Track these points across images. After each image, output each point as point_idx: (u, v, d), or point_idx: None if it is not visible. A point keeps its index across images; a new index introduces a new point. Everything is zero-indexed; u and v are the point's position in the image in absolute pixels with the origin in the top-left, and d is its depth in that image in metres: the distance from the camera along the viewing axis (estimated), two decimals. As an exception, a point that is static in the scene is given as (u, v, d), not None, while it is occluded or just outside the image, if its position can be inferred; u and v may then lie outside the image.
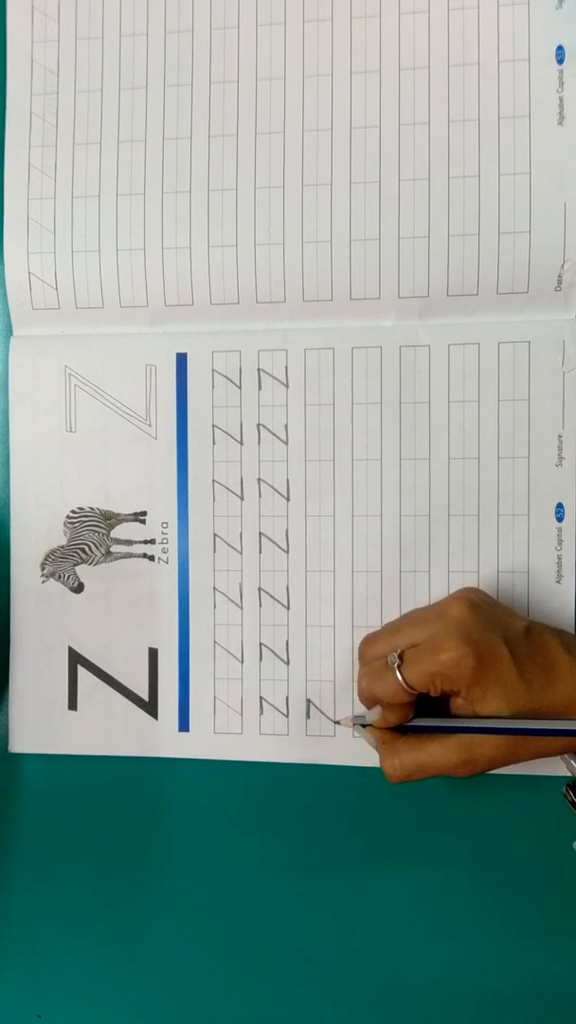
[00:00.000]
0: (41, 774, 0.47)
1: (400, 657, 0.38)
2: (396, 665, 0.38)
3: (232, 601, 0.45)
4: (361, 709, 0.41)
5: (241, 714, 0.45)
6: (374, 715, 0.40)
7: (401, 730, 0.39)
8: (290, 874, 0.45)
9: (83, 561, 0.46)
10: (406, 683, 0.37)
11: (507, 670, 0.37)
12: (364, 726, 0.41)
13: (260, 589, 0.45)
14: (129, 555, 0.46)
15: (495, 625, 0.38)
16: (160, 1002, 0.46)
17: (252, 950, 0.45)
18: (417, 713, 0.39)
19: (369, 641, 0.41)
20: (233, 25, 0.45)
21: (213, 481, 0.45)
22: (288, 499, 0.45)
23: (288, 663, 0.45)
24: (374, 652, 0.40)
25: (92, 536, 0.46)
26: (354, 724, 0.41)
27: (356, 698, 0.43)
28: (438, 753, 0.38)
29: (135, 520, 0.46)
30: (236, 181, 0.45)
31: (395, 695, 0.38)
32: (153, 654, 0.46)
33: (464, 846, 0.44)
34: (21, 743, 0.47)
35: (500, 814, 0.44)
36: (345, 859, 0.45)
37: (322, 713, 0.45)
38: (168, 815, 0.46)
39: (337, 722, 0.44)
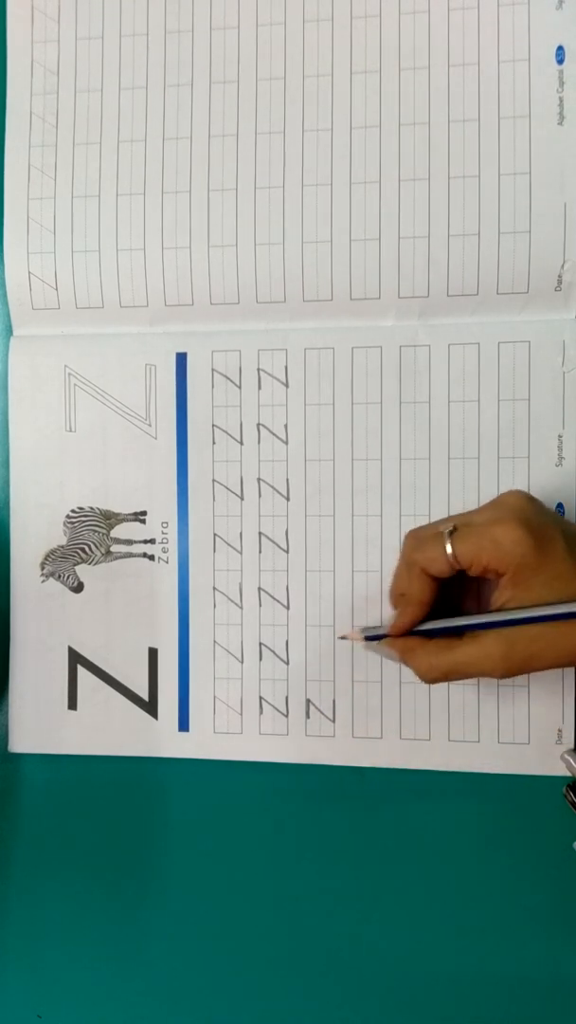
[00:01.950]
0: (41, 774, 0.47)
1: (454, 527, 0.37)
2: (449, 532, 0.37)
3: (232, 601, 0.45)
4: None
5: (241, 714, 0.45)
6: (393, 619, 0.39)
7: (428, 634, 0.38)
8: (290, 874, 0.45)
9: (83, 561, 0.46)
10: (454, 554, 0.37)
11: (562, 559, 0.36)
12: (373, 639, 0.40)
13: (260, 589, 0.45)
14: (129, 555, 0.46)
15: (552, 517, 0.38)
16: (160, 1002, 0.46)
17: (252, 950, 0.45)
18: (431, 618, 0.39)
19: (420, 527, 0.40)
20: (233, 25, 0.45)
21: (213, 481, 0.45)
22: (288, 499, 0.45)
23: (288, 663, 0.45)
24: (422, 534, 0.39)
25: (92, 536, 0.46)
26: (364, 637, 0.41)
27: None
28: (473, 650, 0.37)
29: (135, 520, 0.46)
30: (236, 181, 0.45)
31: (435, 562, 0.37)
32: (153, 654, 0.46)
33: (464, 846, 0.44)
34: (21, 743, 0.47)
35: (500, 814, 0.44)
36: (345, 859, 0.45)
37: (322, 713, 0.45)
38: (168, 815, 0.46)
39: (343, 637, 0.44)
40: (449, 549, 0.37)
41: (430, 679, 0.38)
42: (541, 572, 0.36)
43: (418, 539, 0.39)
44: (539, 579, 0.36)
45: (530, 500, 0.38)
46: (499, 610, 0.37)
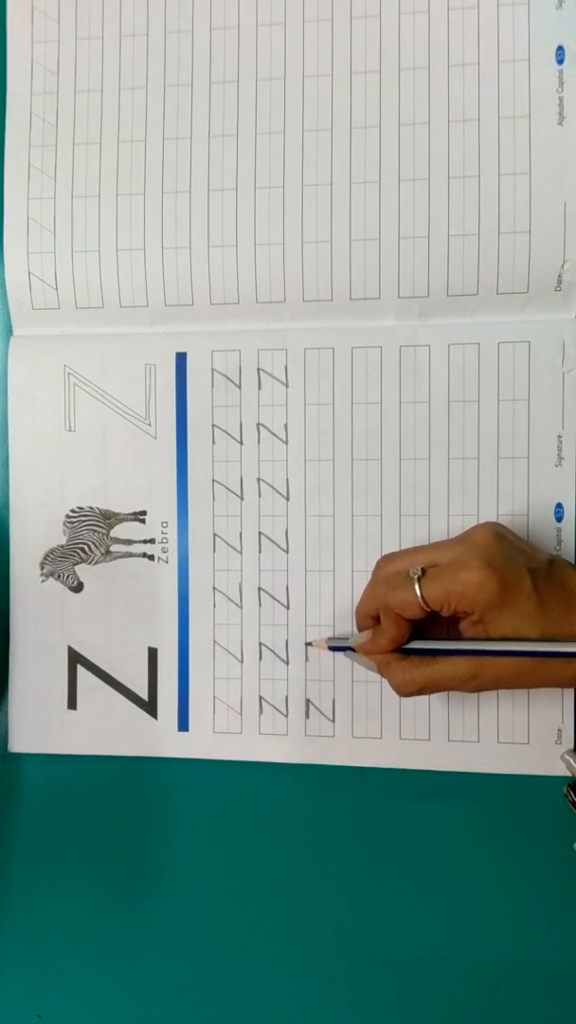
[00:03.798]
0: (41, 774, 0.47)
1: (422, 571, 0.38)
2: (417, 577, 0.38)
3: (232, 601, 0.45)
4: (341, 632, 0.43)
5: (241, 714, 0.45)
6: (363, 638, 0.40)
7: (405, 652, 0.40)
8: (290, 874, 0.45)
9: (83, 560, 0.46)
10: (423, 598, 0.37)
11: (527, 598, 0.37)
12: (338, 649, 0.42)
13: (260, 589, 0.45)
14: (129, 555, 0.46)
15: (519, 554, 0.38)
16: (160, 1002, 0.46)
17: (252, 949, 0.45)
18: (411, 638, 0.40)
19: (388, 558, 0.41)
20: (233, 25, 0.45)
21: (213, 481, 0.45)
22: (288, 499, 0.45)
23: (288, 663, 0.45)
24: (392, 568, 0.40)
25: (92, 536, 0.46)
26: (329, 647, 0.42)
27: (344, 628, 0.43)
28: (447, 668, 0.38)
29: (135, 520, 0.46)
30: (236, 181, 0.45)
31: (408, 607, 0.38)
32: (153, 654, 0.46)
33: (464, 846, 0.44)
34: (21, 743, 0.47)
35: (500, 814, 0.44)
36: (344, 859, 0.45)
37: (322, 713, 0.45)
38: (168, 815, 0.46)
39: (309, 643, 0.44)
40: (419, 593, 0.38)
41: (405, 693, 0.39)
42: (507, 611, 0.37)
43: (389, 581, 0.39)
44: (505, 617, 0.37)
45: (497, 537, 0.38)
46: (470, 639, 0.39)
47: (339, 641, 0.43)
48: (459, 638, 0.40)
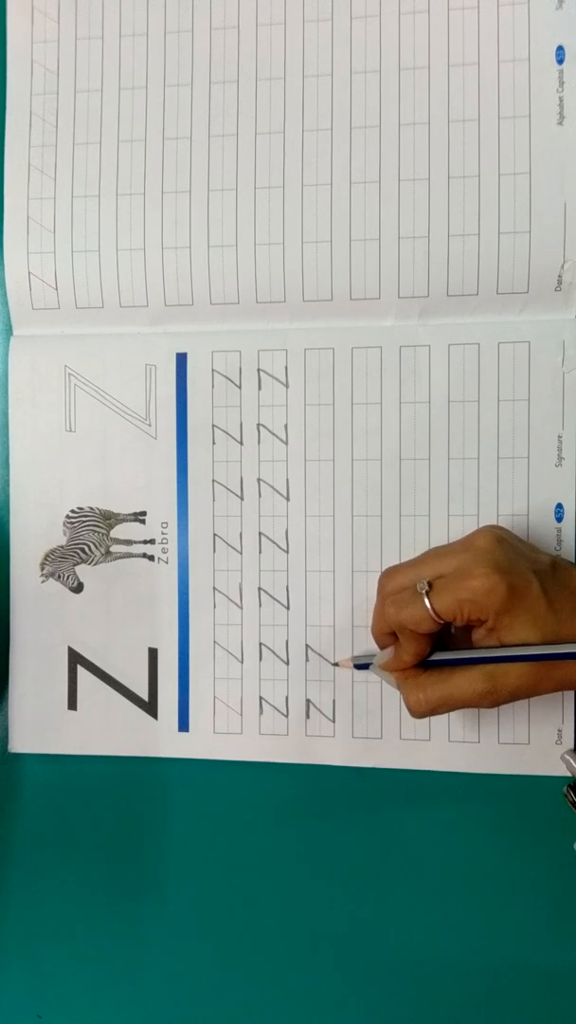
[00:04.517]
0: (41, 774, 0.47)
1: (429, 585, 0.38)
2: (425, 592, 0.37)
3: (232, 601, 0.45)
4: (363, 650, 0.42)
5: (241, 714, 0.45)
6: (385, 656, 0.40)
7: (424, 665, 0.39)
8: (290, 874, 0.45)
9: (83, 561, 0.46)
10: (434, 611, 0.37)
11: (536, 599, 0.37)
12: (364, 667, 0.41)
13: (260, 589, 0.45)
14: (129, 555, 0.46)
15: (522, 557, 0.38)
16: (160, 1002, 0.46)
17: (252, 950, 0.45)
18: (432, 649, 0.39)
19: (391, 573, 0.40)
20: (233, 25, 0.45)
21: (213, 481, 0.45)
22: (288, 499, 0.45)
23: (288, 663, 0.45)
24: (397, 583, 0.39)
25: (92, 536, 0.46)
26: (354, 666, 0.42)
27: (361, 642, 0.43)
28: (463, 684, 0.38)
29: (135, 520, 0.46)
30: (236, 181, 0.45)
31: (421, 623, 0.37)
32: (153, 654, 0.46)
33: (464, 846, 0.44)
34: (21, 743, 0.47)
35: (500, 814, 0.44)
36: (345, 859, 0.45)
37: (322, 713, 0.45)
38: (168, 815, 0.46)
39: (336, 664, 0.44)
40: (429, 607, 0.37)
41: (419, 713, 0.39)
42: (520, 615, 0.37)
43: (398, 600, 0.38)
44: (518, 622, 0.37)
45: (499, 541, 0.38)
46: (485, 647, 0.38)
47: (364, 659, 0.42)
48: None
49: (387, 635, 0.40)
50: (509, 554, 0.38)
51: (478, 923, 0.44)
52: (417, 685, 0.39)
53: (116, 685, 0.46)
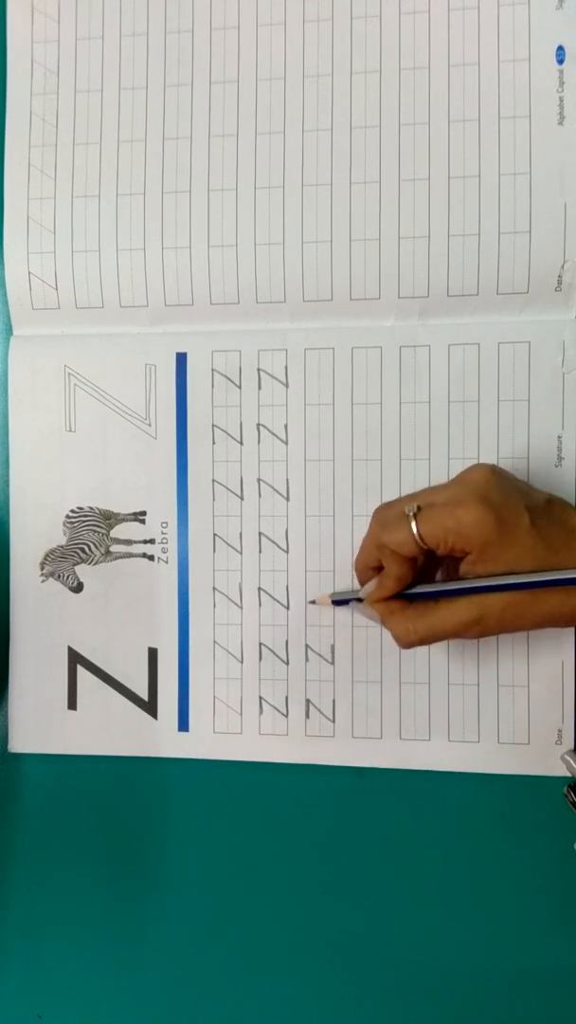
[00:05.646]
0: (41, 774, 0.47)
1: (417, 508, 0.38)
2: (412, 513, 0.37)
3: (232, 601, 0.45)
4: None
5: (241, 714, 0.45)
6: (369, 587, 0.40)
7: (408, 597, 0.39)
8: (290, 874, 0.45)
9: (83, 561, 0.46)
10: (419, 535, 0.37)
11: (526, 533, 0.37)
12: (343, 603, 0.41)
13: (260, 589, 0.45)
14: (129, 555, 0.46)
15: (516, 492, 0.38)
16: (160, 1002, 0.46)
17: (252, 949, 0.45)
18: (414, 583, 0.39)
19: (385, 504, 0.40)
20: (233, 25, 0.45)
21: (213, 481, 0.45)
22: (288, 499, 0.45)
23: (288, 663, 0.45)
24: (390, 511, 0.39)
25: (92, 536, 0.46)
26: (332, 601, 0.42)
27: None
28: (448, 615, 0.38)
29: (135, 520, 0.46)
30: (236, 181, 0.45)
31: (404, 544, 0.38)
32: (153, 654, 0.46)
33: (464, 846, 0.44)
34: (21, 743, 0.47)
35: (500, 814, 0.44)
36: (345, 859, 0.45)
37: (322, 713, 0.45)
38: (168, 815, 0.46)
39: (312, 602, 0.44)
40: (415, 530, 0.37)
41: (407, 643, 0.39)
42: (506, 548, 0.37)
43: (384, 520, 0.39)
44: (505, 555, 0.37)
45: (494, 473, 0.38)
46: (470, 578, 0.38)
47: (344, 595, 0.42)
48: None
49: (371, 569, 0.40)
50: (503, 488, 0.38)
51: (478, 923, 0.44)
52: (404, 617, 0.39)
53: (116, 685, 0.46)
